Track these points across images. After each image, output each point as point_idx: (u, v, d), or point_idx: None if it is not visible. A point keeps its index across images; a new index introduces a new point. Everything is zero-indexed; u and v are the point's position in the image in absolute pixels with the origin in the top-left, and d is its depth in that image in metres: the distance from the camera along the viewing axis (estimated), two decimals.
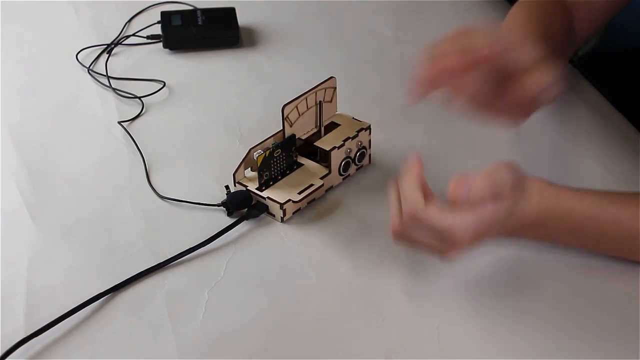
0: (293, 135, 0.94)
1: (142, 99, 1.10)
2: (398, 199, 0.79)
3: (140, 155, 1.01)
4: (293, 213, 0.92)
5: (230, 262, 0.87)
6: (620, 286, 0.83)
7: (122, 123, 1.06)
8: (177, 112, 1.09)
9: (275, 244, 0.90)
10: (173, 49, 1.20)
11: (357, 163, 0.97)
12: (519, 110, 0.83)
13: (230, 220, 0.91)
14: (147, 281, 0.86)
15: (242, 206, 0.92)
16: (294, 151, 0.94)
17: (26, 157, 1.02)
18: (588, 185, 0.83)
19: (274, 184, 0.93)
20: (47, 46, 1.23)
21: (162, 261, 0.87)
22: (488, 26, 0.80)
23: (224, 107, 1.10)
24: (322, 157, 0.95)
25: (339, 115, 0.98)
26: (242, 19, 1.21)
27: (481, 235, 0.78)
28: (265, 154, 0.91)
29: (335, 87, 0.96)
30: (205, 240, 0.89)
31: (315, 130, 0.96)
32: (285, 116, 0.92)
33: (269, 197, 0.91)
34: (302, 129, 0.95)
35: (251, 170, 0.94)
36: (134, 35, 1.22)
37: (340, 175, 0.95)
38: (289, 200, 0.91)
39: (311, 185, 0.93)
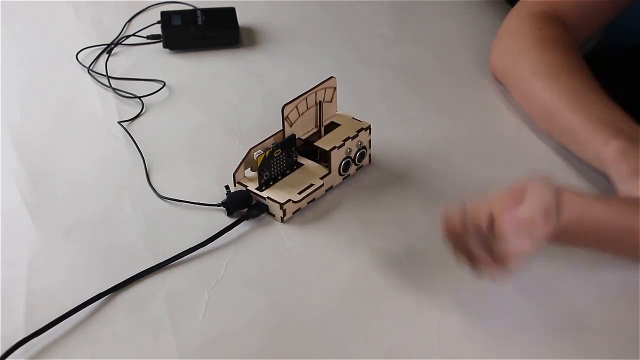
0: (293, 135, 0.94)
1: (142, 99, 1.10)
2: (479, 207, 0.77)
3: (140, 155, 1.01)
4: (293, 213, 0.92)
5: (230, 262, 0.87)
6: (620, 286, 0.83)
7: (122, 123, 1.06)
8: (177, 112, 1.09)
9: (275, 244, 0.90)
10: (173, 49, 1.20)
11: (357, 163, 0.97)
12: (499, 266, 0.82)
13: (230, 220, 0.91)
14: (147, 281, 0.86)
15: (242, 206, 0.92)
16: (294, 151, 0.94)
17: (26, 157, 1.02)
18: (588, 186, 0.82)
19: (274, 184, 0.93)
20: (47, 46, 1.22)
21: (162, 261, 0.87)
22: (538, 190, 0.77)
23: (224, 107, 1.10)
24: (322, 157, 0.95)
25: (339, 115, 0.98)
26: (242, 19, 1.21)
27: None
28: (265, 154, 0.91)
29: (335, 87, 0.96)
30: (205, 240, 0.89)
31: (315, 130, 0.96)
32: (285, 116, 0.92)
33: (269, 197, 0.91)
34: (302, 129, 0.95)
35: (251, 170, 0.94)
36: (134, 35, 1.22)
37: (340, 175, 0.95)
38: (289, 200, 0.91)
39: (311, 185, 0.93)
